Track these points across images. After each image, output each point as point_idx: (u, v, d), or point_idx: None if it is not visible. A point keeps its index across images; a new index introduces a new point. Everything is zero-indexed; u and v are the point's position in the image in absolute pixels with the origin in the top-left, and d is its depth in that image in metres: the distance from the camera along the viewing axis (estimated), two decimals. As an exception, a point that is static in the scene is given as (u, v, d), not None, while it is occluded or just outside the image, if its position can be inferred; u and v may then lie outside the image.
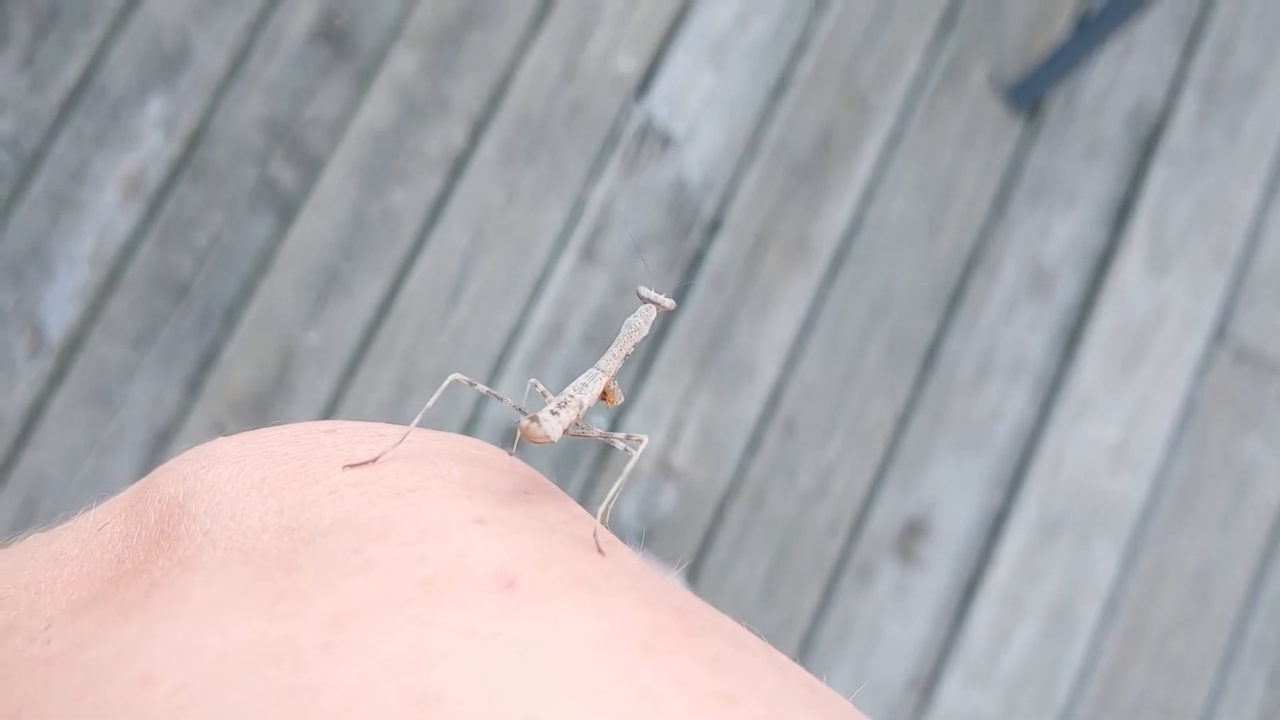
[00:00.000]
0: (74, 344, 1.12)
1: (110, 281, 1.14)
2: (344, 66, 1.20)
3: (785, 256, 1.28)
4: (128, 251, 1.14)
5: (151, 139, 1.16)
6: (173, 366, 1.13)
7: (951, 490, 1.27)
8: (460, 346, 1.19)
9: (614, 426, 1.21)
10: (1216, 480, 1.31)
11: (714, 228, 1.27)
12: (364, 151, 1.20)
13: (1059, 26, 1.38)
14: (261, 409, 1.14)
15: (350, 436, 0.24)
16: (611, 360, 0.31)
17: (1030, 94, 1.34)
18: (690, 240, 1.26)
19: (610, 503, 0.26)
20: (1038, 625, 1.25)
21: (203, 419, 1.13)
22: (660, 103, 1.28)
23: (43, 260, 1.13)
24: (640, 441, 0.29)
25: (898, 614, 1.24)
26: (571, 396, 0.29)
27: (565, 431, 0.29)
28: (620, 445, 0.29)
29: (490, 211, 1.22)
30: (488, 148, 1.23)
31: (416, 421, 0.26)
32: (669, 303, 0.32)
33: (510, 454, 0.27)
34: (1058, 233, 1.34)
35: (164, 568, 0.20)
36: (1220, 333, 1.34)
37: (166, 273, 1.15)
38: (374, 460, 0.23)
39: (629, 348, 0.31)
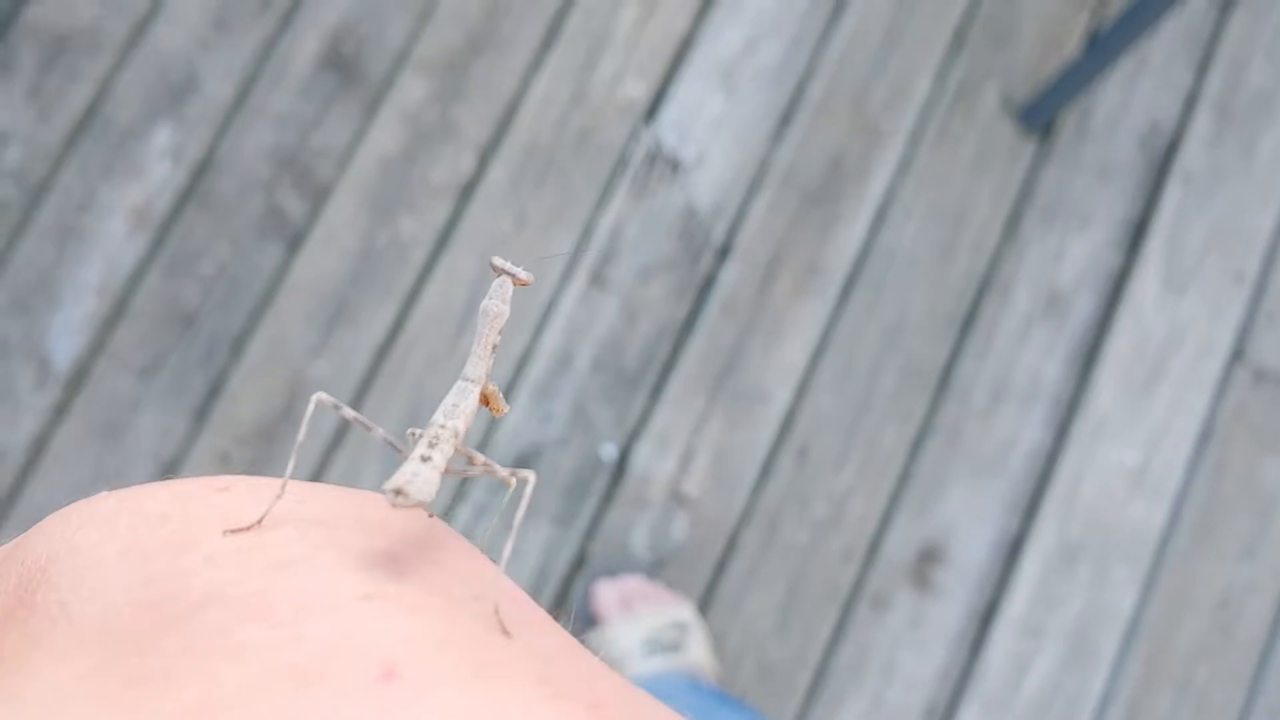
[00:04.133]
0: (80, 375, 1.12)
1: (117, 312, 1.13)
2: (351, 95, 1.20)
3: (797, 282, 1.27)
4: (134, 281, 1.14)
5: (158, 169, 1.15)
6: (179, 397, 1.13)
7: (967, 517, 1.26)
8: (469, 375, 1.18)
9: (623, 459, 1.20)
10: (1238, 504, 1.29)
11: (724, 253, 1.26)
12: (371, 180, 1.19)
13: (1071, 46, 1.37)
14: (269, 439, 1.13)
15: (243, 494, 0.21)
16: (478, 363, 0.27)
17: (1042, 115, 1.33)
18: (701, 266, 1.25)
19: (505, 559, 0.22)
20: (1057, 654, 1.23)
21: (209, 450, 1.12)
22: (669, 128, 1.27)
23: (49, 291, 1.12)
24: (526, 480, 0.25)
25: (914, 643, 1.22)
26: (443, 426, 0.25)
27: (447, 470, 0.24)
28: (510, 482, 0.25)
29: (499, 238, 1.21)
30: (496, 174, 1.22)
31: (292, 465, 0.23)
32: (526, 275, 0.27)
33: (429, 514, 0.24)
34: (1072, 255, 1.33)
35: (14, 643, 0.19)
36: (1239, 354, 1.32)
37: (173, 303, 1.14)
38: (258, 524, 0.20)
39: (494, 338, 0.27)
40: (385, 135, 1.20)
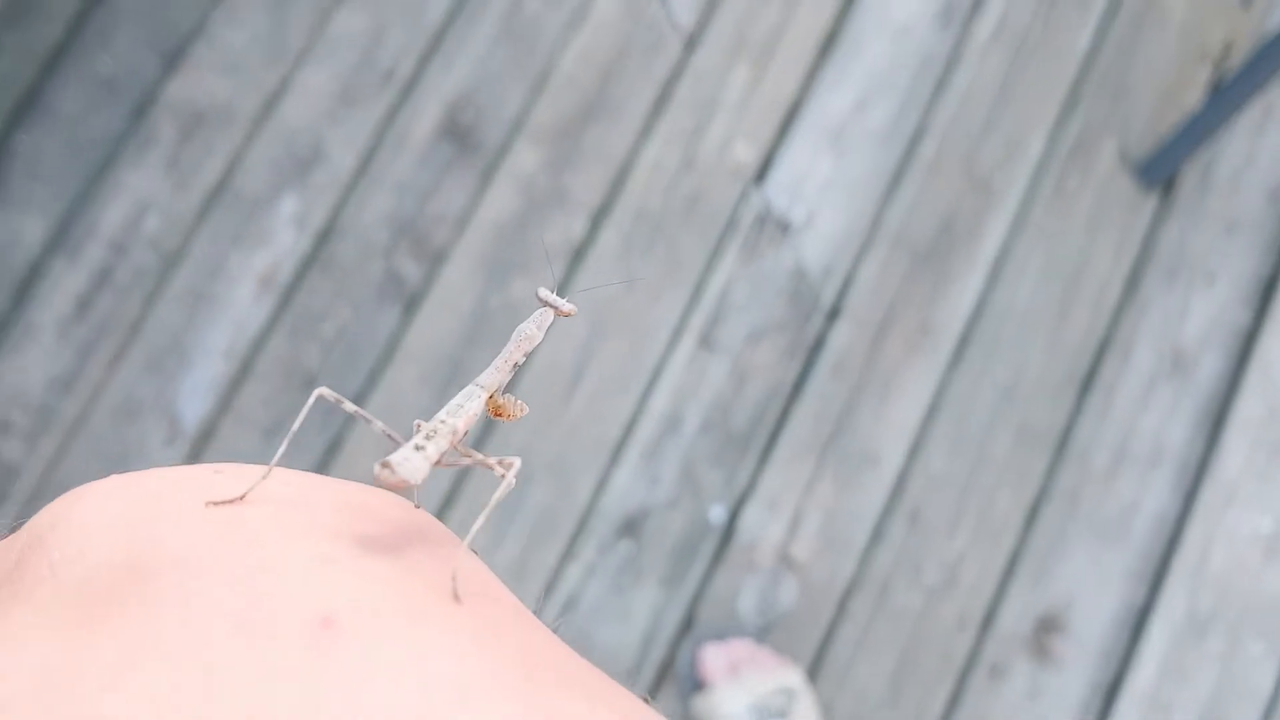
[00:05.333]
0: (207, 433, 1.16)
1: (242, 373, 1.17)
2: (467, 163, 1.23)
3: (908, 343, 1.25)
4: (259, 344, 1.18)
5: (284, 236, 1.20)
6: (300, 456, 1.16)
7: (1088, 585, 1.21)
8: (578, 436, 1.19)
9: (732, 522, 1.19)
10: (1383, 577, 1.22)
11: (834, 314, 1.25)
12: (486, 244, 1.22)
13: (1191, 97, 1.34)
14: (384, 498, 1.16)
15: (231, 477, 0.23)
16: (495, 374, 0.28)
17: (1163, 169, 1.30)
18: (810, 327, 1.25)
19: (475, 529, 0.23)
20: (1187, 732, 1.18)
21: (328, 508, 1.15)
22: (779, 190, 1.27)
23: (181, 353, 1.17)
24: (511, 465, 0.26)
25: (1033, 716, 1.18)
26: (443, 423, 0.26)
27: (439, 463, 0.25)
28: (497, 471, 0.26)
29: (608, 301, 1.23)
30: (607, 238, 1.24)
31: (281, 451, 0.24)
32: (569, 307, 0.29)
33: (415, 505, 0.25)
34: (1197, 313, 1.29)
35: (4, 598, 0.20)
36: (1381, 417, 1.26)
37: (295, 364, 1.18)
38: (239, 499, 0.22)
39: (519, 357, 0.28)
40: (499, 201, 1.23)
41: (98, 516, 0.21)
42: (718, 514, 1.19)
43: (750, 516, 1.19)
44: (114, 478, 0.23)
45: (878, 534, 1.20)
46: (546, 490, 1.17)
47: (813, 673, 1.17)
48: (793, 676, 1.12)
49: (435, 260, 1.21)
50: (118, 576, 0.19)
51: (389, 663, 0.18)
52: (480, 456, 0.27)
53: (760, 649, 1.14)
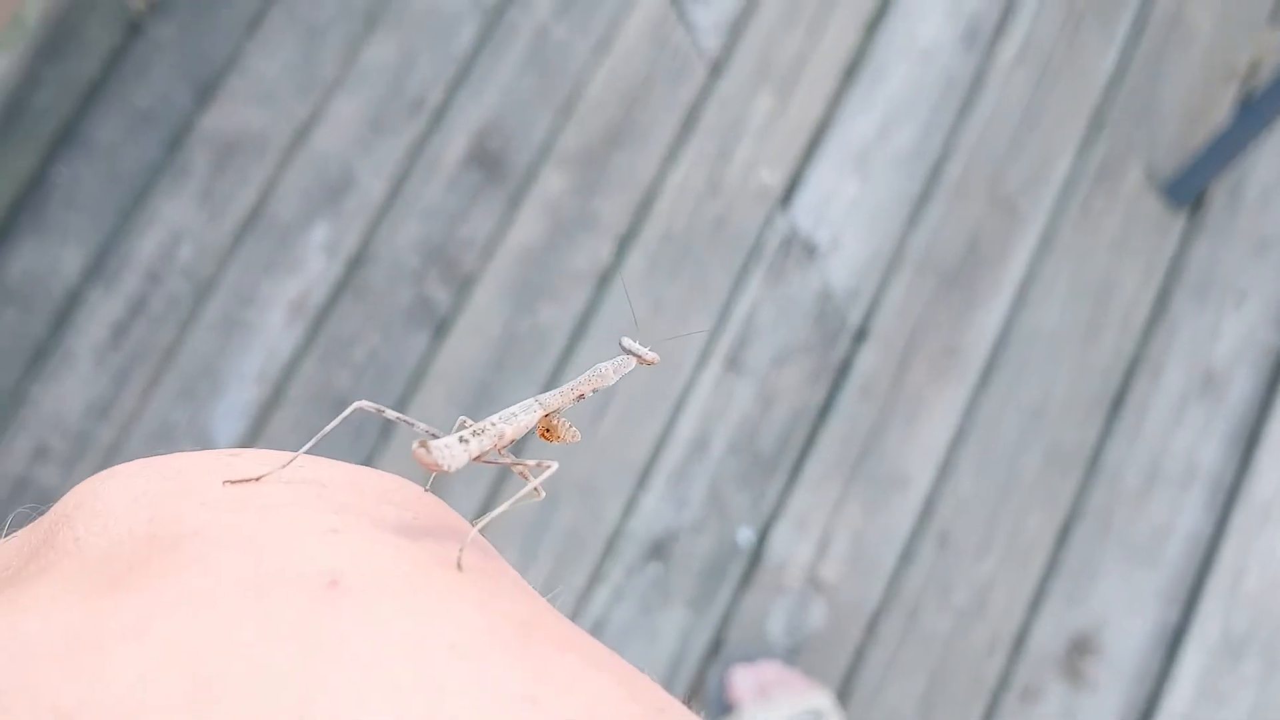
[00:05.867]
0: (241, 459, 1.18)
1: (274, 398, 1.19)
2: (496, 189, 1.25)
3: (935, 365, 1.25)
4: (291, 369, 1.20)
5: (315, 263, 1.22)
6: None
7: (1121, 606, 1.20)
8: (606, 459, 1.20)
9: (760, 544, 1.19)
10: None
11: (861, 336, 1.25)
12: (514, 269, 1.23)
13: (1218, 116, 1.33)
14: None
15: (250, 460, 0.24)
16: (558, 397, 0.28)
17: (1191, 188, 1.29)
18: (837, 350, 1.25)
19: (490, 517, 0.24)
20: (1224, 756, 1.16)
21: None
22: (804, 213, 1.28)
23: (214, 378, 1.19)
24: (548, 467, 0.26)
25: (1066, 739, 1.17)
26: (493, 425, 0.27)
27: (477, 459, 0.26)
28: (531, 475, 0.27)
29: (634, 324, 1.24)
30: (633, 262, 1.25)
31: (310, 445, 0.25)
32: (652, 356, 0.29)
33: (424, 489, 0.26)
34: (1227, 332, 1.28)
35: (31, 571, 0.21)
36: None
37: (326, 389, 1.19)
38: (257, 479, 0.23)
39: (587, 391, 0.28)
40: (527, 226, 1.24)
41: (122, 494, 0.22)
42: (746, 536, 1.19)
43: (778, 538, 1.19)
44: (138, 461, 0.24)
45: (907, 555, 1.20)
46: (574, 513, 1.18)
47: (842, 695, 1.16)
48: (822, 699, 1.11)
49: (464, 285, 1.23)
50: (139, 548, 0.20)
51: (390, 620, 0.18)
52: (516, 459, 0.28)
53: (789, 671, 1.14)
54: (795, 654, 1.17)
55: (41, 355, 1.17)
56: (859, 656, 1.17)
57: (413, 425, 0.27)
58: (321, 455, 0.24)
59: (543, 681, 0.18)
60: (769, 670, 1.14)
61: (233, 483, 0.23)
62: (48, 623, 0.18)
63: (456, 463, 0.25)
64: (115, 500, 0.22)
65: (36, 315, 1.17)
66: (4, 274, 1.18)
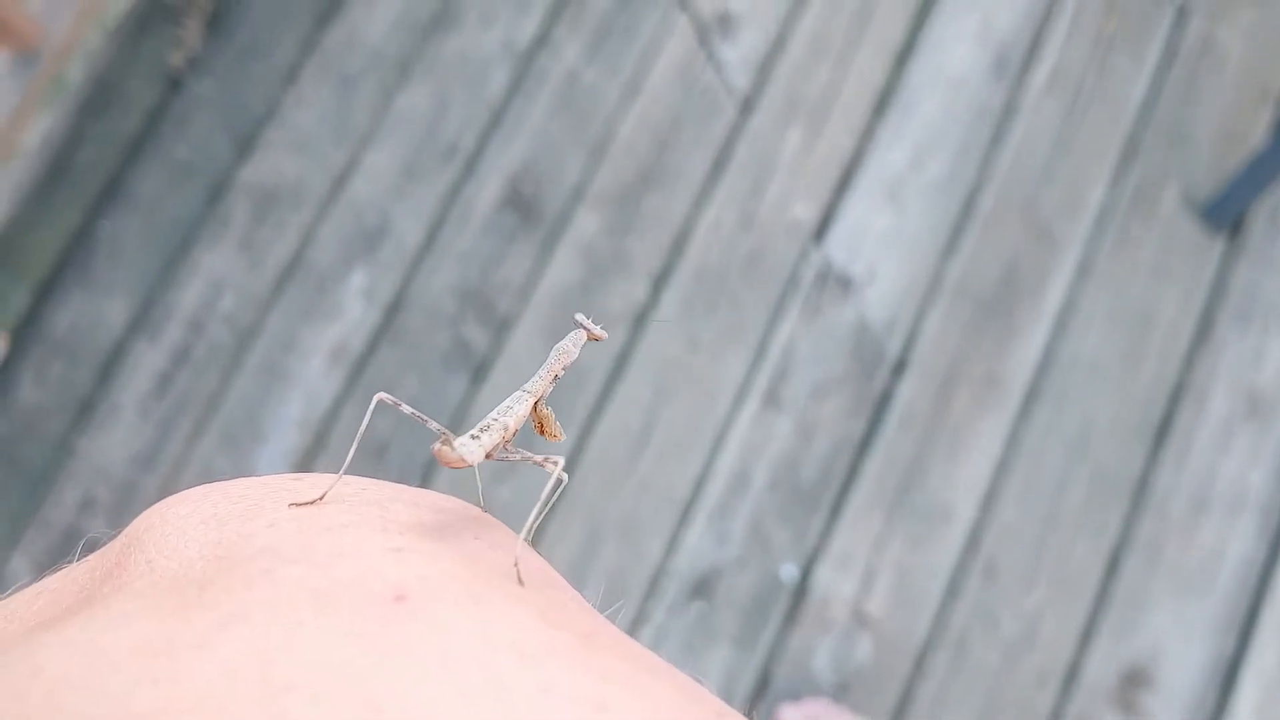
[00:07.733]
0: (285, 505, 1.18)
1: (316, 444, 1.20)
2: (530, 232, 1.26)
3: (975, 395, 1.24)
4: (332, 415, 1.21)
5: (354, 309, 1.23)
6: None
7: (1174, 636, 1.18)
8: (646, 496, 1.19)
9: (804, 579, 1.18)
10: None
11: (900, 368, 1.25)
12: (550, 310, 1.24)
13: (1255, 138, 1.32)
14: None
15: (311, 484, 0.25)
16: (539, 382, 0.31)
17: (1230, 211, 1.28)
18: (876, 382, 1.24)
19: (530, 529, 0.25)
20: (1287, 789, 1.13)
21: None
22: (838, 246, 1.28)
23: (256, 426, 1.20)
24: (558, 462, 0.28)
25: (1123, 774, 1.15)
26: (495, 420, 0.29)
27: (489, 455, 0.28)
28: (546, 467, 0.29)
29: (672, 362, 1.24)
30: (669, 301, 1.25)
31: (351, 454, 0.28)
32: (601, 333, 0.32)
33: (481, 507, 0.27)
34: (1272, 356, 1.26)
35: (104, 591, 0.22)
36: None
37: (368, 433, 1.20)
38: (319, 500, 0.24)
39: (558, 370, 0.31)
40: (562, 268, 1.25)
41: (190, 517, 0.23)
42: (789, 572, 1.18)
43: (822, 573, 1.18)
44: (202, 486, 0.25)
45: (953, 588, 1.19)
46: (617, 552, 1.18)
47: (892, 733, 1.15)
48: (872, 737, 1.10)
49: (501, 327, 1.23)
50: (209, 566, 0.21)
51: (456, 628, 0.19)
52: (529, 456, 0.29)
53: (837, 708, 1.13)
54: (843, 690, 1.15)
55: (88, 408, 1.19)
56: (907, 692, 1.16)
57: (426, 422, 0.29)
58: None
59: (609, 686, 0.19)
60: (816, 707, 1.12)
61: (298, 505, 0.24)
62: (123, 636, 0.19)
63: (474, 456, 0.28)
64: (184, 524, 0.23)
65: (83, 368, 1.19)
66: (51, 327, 1.20)
